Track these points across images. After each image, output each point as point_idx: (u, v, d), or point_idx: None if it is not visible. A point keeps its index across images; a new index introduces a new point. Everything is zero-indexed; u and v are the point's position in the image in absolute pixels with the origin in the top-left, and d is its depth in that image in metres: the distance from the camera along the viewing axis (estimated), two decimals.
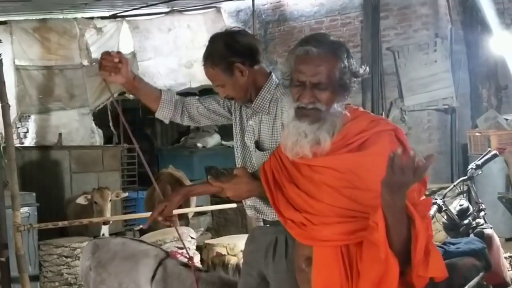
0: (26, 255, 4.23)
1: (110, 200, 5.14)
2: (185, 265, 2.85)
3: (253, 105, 2.19)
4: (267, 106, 2.17)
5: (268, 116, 2.16)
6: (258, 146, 2.17)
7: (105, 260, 3.15)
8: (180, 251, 4.13)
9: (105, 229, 4.94)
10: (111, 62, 2.17)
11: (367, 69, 1.81)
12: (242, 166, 2.25)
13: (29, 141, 7.24)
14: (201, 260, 4.67)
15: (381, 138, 1.71)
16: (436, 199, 3.47)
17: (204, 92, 8.92)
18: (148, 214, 5.24)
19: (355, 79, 1.78)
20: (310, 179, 1.78)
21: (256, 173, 2.08)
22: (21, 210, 4.26)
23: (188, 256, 2.60)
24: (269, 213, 2.16)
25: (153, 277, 2.92)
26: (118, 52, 2.25)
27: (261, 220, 2.23)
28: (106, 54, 2.20)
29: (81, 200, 5.21)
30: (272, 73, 2.22)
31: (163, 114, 2.37)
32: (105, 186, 5.27)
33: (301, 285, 1.88)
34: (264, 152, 2.14)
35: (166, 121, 2.43)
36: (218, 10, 8.26)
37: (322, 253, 1.74)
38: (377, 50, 7.24)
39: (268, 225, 2.20)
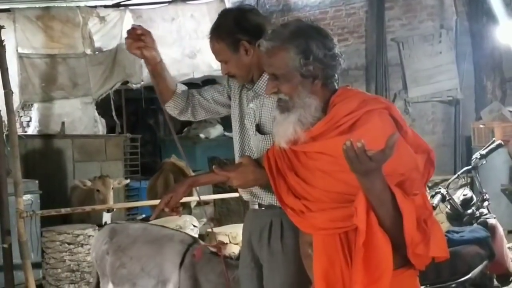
0: (29, 242, 4.25)
1: (113, 188, 5.13)
2: (212, 252, 2.81)
3: (255, 87, 2.17)
4: None
5: (270, 100, 2.13)
6: (259, 129, 2.15)
7: (125, 244, 3.10)
8: None
9: (107, 217, 4.94)
10: (134, 35, 2.13)
11: (336, 52, 1.75)
12: (240, 150, 2.24)
13: (32, 130, 7.24)
14: None
15: (371, 118, 1.66)
16: (439, 188, 3.46)
17: (207, 82, 8.90)
18: (151, 202, 5.29)
19: (321, 66, 1.72)
20: (306, 165, 1.77)
21: (260, 160, 2.06)
22: (24, 198, 4.26)
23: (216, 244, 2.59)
24: (265, 197, 2.15)
25: (181, 262, 2.88)
26: (141, 27, 2.20)
27: (256, 203, 2.21)
28: (131, 29, 2.17)
29: (77, 183, 5.22)
30: None
31: (175, 106, 2.33)
32: (106, 174, 5.26)
33: (308, 270, 1.88)
34: (265, 135, 2.12)
35: (174, 114, 2.39)
36: (222, 0, 8.22)
37: (321, 241, 1.74)
38: (382, 40, 7.22)
39: (263, 208, 2.19)
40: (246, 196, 2.24)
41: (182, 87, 2.35)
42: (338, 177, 1.69)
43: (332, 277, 1.69)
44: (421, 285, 2.57)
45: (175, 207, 2.11)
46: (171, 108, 2.33)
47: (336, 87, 1.82)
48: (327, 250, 1.71)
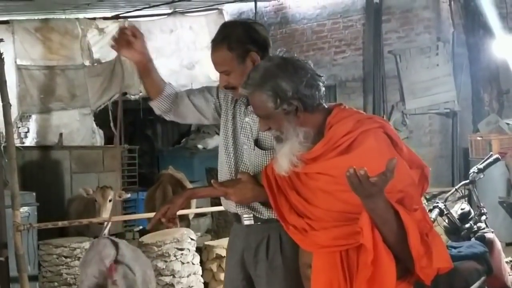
0: (26, 254, 4.21)
1: (111, 200, 5.12)
2: None
3: None
4: None
5: None
6: (258, 144, 2.15)
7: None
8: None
9: (106, 229, 4.91)
10: (123, 35, 2.14)
11: (310, 80, 1.78)
12: (234, 164, 2.20)
13: (29, 141, 7.23)
14: (201, 262, 4.66)
15: (367, 138, 1.71)
16: (437, 202, 3.46)
17: None
18: (148, 215, 5.27)
19: (297, 99, 1.76)
20: (307, 185, 1.79)
21: (258, 177, 2.06)
22: (21, 210, 4.25)
23: None
24: (263, 211, 2.13)
25: None
26: (133, 27, 2.22)
27: (251, 219, 2.18)
28: (121, 29, 2.18)
29: (81, 191, 5.20)
30: None
31: (158, 106, 2.33)
32: (109, 186, 5.25)
33: None
34: (265, 151, 2.12)
35: (157, 113, 2.38)
36: (220, 12, 8.26)
37: (321, 259, 1.75)
38: (379, 53, 7.25)
39: (259, 223, 2.16)
40: (240, 210, 2.20)
41: (170, 90, 2.32)
42: (339, 197, 1.71)
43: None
44: None
45: (172, 218, 2.11)
46: (155, 108, 2.34)
47: (325, 106, 1.85)
48: (326, 269, 1.72)
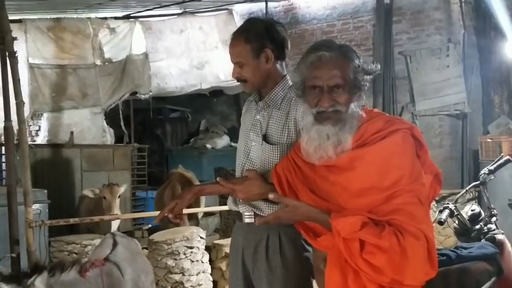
0: (37, 251, 4.26)
1: (119, 196, 5.15)
2: None
3: (266, 99, 2.21)
4: (279, 102, 2.19)
5: (279, 112, 2.17)
6: (266, 139, 2.17)
7: None
8: None
9: (115, 226, 4.96)
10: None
11: (378, 65, 1.84)
12: (244, 160, 2.24)
13: (41, 139, 7.28)
14: (210, 260, 4.69)
15: (395, 135, 1.75)
16: (448, 203, 3.45)
17: (214, 93, 8.96)
18: (158, 213, 5.29)
19: (367, 77, 1.80)
20: (326, 180, 1.79)
21: (266, 175, 2.08)
22: (32, 207, 4.29)
23: None
24: (265, 209, 2.15)
25: None
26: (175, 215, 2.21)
27: (252, 217, 2.19)
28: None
29: (87, 192, 5.24)
30: (287, 76, 2.24)
31: None
32: (115, 182, 5.29)
33: (319, 285, 1.89)
34: (273, 146, 2.15)
35: None
36: (230, 12, 8.28)
37: (336, 256, 1.76)
38: (389, 54, 7.23)
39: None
40: (242, 208, 2.22)
41: None
42: (357, 193, 1.72)
43: (346, 285, 1.71)
44: None
45: (179, 213, 2.13)
46: None
47: None
48: (341, 264, 1.73)
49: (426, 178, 1.78)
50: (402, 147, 1.73)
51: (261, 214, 2.16)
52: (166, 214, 2.14)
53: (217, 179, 2.19)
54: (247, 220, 2.21)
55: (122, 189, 5.16)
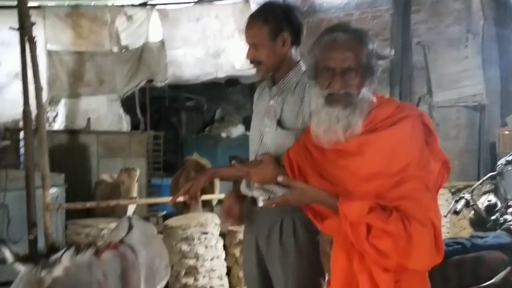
0: (54, 234, 4.33)
1: (137, 180, 5.20)
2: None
3: (280, 84, 2.22)
4: (293, 87, 2.19)
5: (293, 97, 2.18)
6: (280, 125, 2.18)
7: None
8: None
9: (131, 208, 5.00)
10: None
11: (392, 50, 1.83)
12: (258, 146, 2.25)
13: (58, 125, 7.35)
14: (224, 247, 4.72)
15: (405, 122, 1.75)
16: (464, 194, 3.44)
17: (230, 82, 8.96)
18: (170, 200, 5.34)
19: (380, 61, 1.80)
20: (335, 164, 1.80)
21: (280, 159, 2.09)
22: (50, 191, 4.36)
23: None
24: (280, 193, 2.14)
25: None
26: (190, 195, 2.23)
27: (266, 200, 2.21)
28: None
29: (105, 177, 5.28)
30: (301, 62, 2.24)
31: None
32: (132, 167, 5.33)
33: (326, 268, 1.91)
34: (287, 131, 2.15)
35: None
36: (247, 1, 8.23)
37: (342, 239, 1.77)
38: (407, 44, 7.17)
39: (273, 205, 2.15)
40: (256, 193, 2.24)
41: None
42: (365, 178, 1.72)
43: (349, 273, 1.72)
44: None
45: (194, 195, 2.15)
46: None
47: None
48: (347, 248, 1.74)
49: (434, 166, 1.79)
50: (411, 134, 1.73)
51: (276, 197, 2.17)
52: (181, 196, 2.16)
53: (232, 162, 2.21)
54: (261, 204, 2.22)
55: (137, 174, 5.21)
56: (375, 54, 1.78)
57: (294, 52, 2.22)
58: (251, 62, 2.21)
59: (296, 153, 1.97)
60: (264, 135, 2.23)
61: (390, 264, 1.65)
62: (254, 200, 2.26)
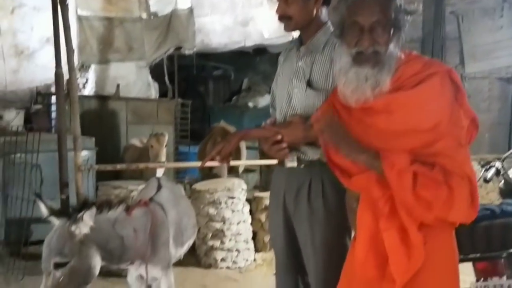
0: (85, 195, 4.44)
1: (166, 146, 5.26)
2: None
3: (308, 44, 2.19)
4: (322, 47, 2.17)
5: (322, 57, 2.16)
6: (310, 85, 2.17)
7: None
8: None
9: (160, 172, 5.09)
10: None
11: (420, 6, 1.80)
12: (286, 108, 2.24)
13: (88, 91, 7.46)
14: (250, 211, 4.78)
15: (433, 79, 1.72)
16: (495, 162, 3.38)
17: (258, 51, 8.92)
18: (201, 163, 5.41)
19: (407, 17, 1.77)
20: (362, 122, 1.79)
21: (309, 120, 2.09)
22: (81, 153, 4.45)
23: None
24: (309, 153, 2.16)
25: None
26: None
27: (295, 161, 2.21)
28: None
29: (135, 141, 5.36)
30: (329, 22, 2.22)
31: None
32: (161, 132, 5.40)
33: (351, 224, 1.92)
34: (317, 92, 2.14)
35: None
36: None
37: (368, 197, 1.77)
38: (440, 13, 6.99)
39: (302, 166, 2.20)
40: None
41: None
42: (393, 135, 1.72)
43: (374, 231, 1.73)
44: (471, 254, 2.56)
45: (226, 156, 2.17)
46: None
47: None
48: (372, 205, 1.75)
49: (464, 122, 1.76)
50: (440, 90, 1.71)
51: (305, 158, 2.19)
52: (214, 156, 2.18)
53: (263, 123, 2.21)
54: (289, 165, 2.23)
55: (166, 139, 5.28)
56: (402, 9, 1.76)
57: (322, 14, 2.19)
58: (280, 17, 2.18)
59: (324, 113, 1.97)
60: (293, 97, 2.22)
61: (429, 217, 1.64)
62: (281, 161, 2.28)
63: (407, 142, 1.70)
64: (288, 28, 2.21)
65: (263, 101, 9.65)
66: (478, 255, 2.56)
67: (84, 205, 2.36)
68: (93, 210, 2.29)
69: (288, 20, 2.17)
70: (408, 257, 1.65)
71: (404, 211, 1.66)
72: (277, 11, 2.19)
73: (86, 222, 2.24)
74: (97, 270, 2.29)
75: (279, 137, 2.12)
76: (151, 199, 2.87)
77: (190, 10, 7.61)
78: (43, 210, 2.29)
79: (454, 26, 7.03)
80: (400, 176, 1.63)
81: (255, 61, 10.17)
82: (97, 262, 2.30)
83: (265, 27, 7.89)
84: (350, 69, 1.76)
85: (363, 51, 1.73)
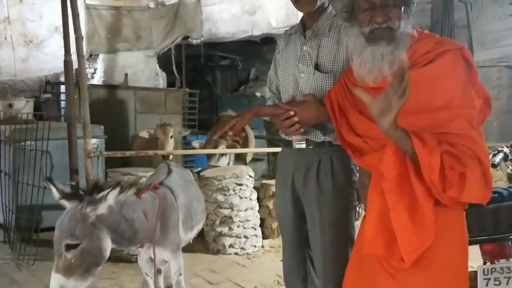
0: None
1: (172, 136, 5.30)
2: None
3: (314, 27, 2.22)
4: (327, 30, 2.20)
5: (329, 39, 2.18)
6: (318, 68, 2.19)
7: None
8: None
9: None
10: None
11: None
12: (294, 92, 2.26)
13: (97, 81, 7.51)
14: (258, 199, 4.81)
15: (445, 56, 1.72)
16: (502, 147, 3.37)
17: (265, 40, 8.90)
18: (209, 151, 5.44)
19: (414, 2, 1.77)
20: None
21: (321, 98, 2.11)
22: (91, 141, 4.50)
23: None
24: (319, 134, 2.19)
25: None
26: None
27: (303, 143, 2.24)
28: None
29: (144, 134, 5.41)
30: (329, 7, 2.23)
31: None
32: (168, 123, 5.44)
33: (362, 200, 1.94)
34: (325, 74, 2.16)
35: None
36: None
37: (378, 178, 1.78)
38: (449, 1, 6.95)
39: (311, 147, 2.22)
40: (296, 137, 2.26)
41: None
42: (405, 113, 1.72)
43: (383, 209, 1.74)
44: (479, 236, 2.57)
45: (239, 131, 2.19)
46: None
47: None
48: (380, 188, 1.75)
49: (476, 102, 1.75)
50: (452, 68, 1.71)
51: (315, 139, 2.21)
52: (227, 131, 2.19)
53: (276, 101, 2.24)
54: (297, 146, 2.26)
55: (172, 130, 5.31)
56: None
57: None
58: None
59: (336, 93, 1.99)
60: (300, 81, 2.24)
61: (446, 197, 1.64)
62: (289, 142, 2.29)
63: (418, 120, 1.70)
64: (299, 6, 2.22)
65: None
66: (485, 237, 2.57)
67: (95, 187, 2.38)
68: (117, 190, 2.29)
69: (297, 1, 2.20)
70: (417, 235, 1.65)
71: (421, 190, 1.65)
72: None
73: (108, 202, 2.26)
74: (107, 252, 2.32)
75: (291, 113, 2.14)
76: (161, 183, 2.90)
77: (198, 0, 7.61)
78: (55, 193, 2.32)
79: (463, 14, 6.98)
80: (432, 155, 1.61)
81: (263, 51, 10.16)
82: (108, 245, 2.32)
83: (273, 16, 7.87)
84: (365, 48, 1.77)
85: (377, 27, 1.74)
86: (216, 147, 5.34)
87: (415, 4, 1.79)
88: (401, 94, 1.54)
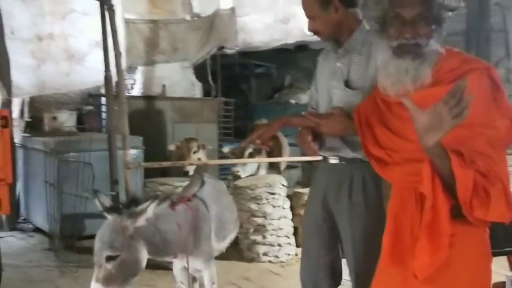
0: (134, 191, 4.65)
1: (195, 152, 5.42)
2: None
3: (345, 44, 2.27)
4: (359, 47, 2.24)
5: (360, 57, 2.23)
6: (348, 85, 2.25)
7: None
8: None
9: (190, 170, 5.25)
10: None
11: (462, 2, 1.82)
12: (327, 107, 2.32)
13: (136, 92, 7.73)
14: (291, 207, 4.88)
15: (470, 75, 1.71)
16: None
17: (299, 48, 8.97)
18: (243, 160, 5.55)
19: (448, 12, 1.79)
20: (399, 116, 1.84)
21: (350, 113, 2.17)
22: (130, 152, 4.67)
23: None
24: (348, 152, 2.24)
25: None
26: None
27: (337, 158, 2.29)
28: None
29: (172, 147, 5.58)
30: (364, 21, 2.28)
31: None
32: (193, 137, 5.57)
33: (387, 211, 1.98)
34: (355, 91, 2.22)
35: None
36: None
37: (398, 190, 1.83)
38: (485, 5, 6.84)
39: (344, 163, 2.28)
40: (326, 153, 2.33)
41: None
42: None
43: (402, 219, 1.78)
44: (506, 248, 2.57)
45: (266, 140, 2.26)
46: None
47: None
48: (402, 195, 1.80)
49: (501, 123, 1.73)
50: (477, 87, 1.68)
51: (345, 156, 2.28)
52: (254, 139, 2.27)
53: (303, 112, 2.32)
54: (332, 161, 2.33)
55: (195, 146, 5.37)
56: (444, 4, 1.78)
57: (353, 14, 2.25)
58: (313, 33, 2.29)
59: (365, 106, 2.03)
60: (333, 96, 2.30)
61: (472, 216, 1.63)
62: (325, 157, 2.37)
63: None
64: (323, 40, 2.33)
65: (305, 97, 9.69)
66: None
67: (132, 201, 2.51)
68: (155, 203, 2.42)
69: (319, 34, 2.28)
70: (429, 254, 1.66)
71: (446, 209, 1.64)
72: (308, 29, 2.31)
73: (147, 215, 2.39)
74: (144, 263, 2.44)
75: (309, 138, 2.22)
76: (194, 195, 3.01)
77: (232, 10, 7.73)
78: (98, 205, 2.46)
79: (500, 18, 6.87)
80: (467, 176, 1.61)
81: (297, 58, 10.22)
82: (145, 256, 2.45)
83: (306, 23, 7.92)
84: (390, 61, 1.80)
85: (405, 43, 1.76)
86: (243, 154, 5.42)
87: (446, 23, 1.81)
88: (457, 115, 1.52)
